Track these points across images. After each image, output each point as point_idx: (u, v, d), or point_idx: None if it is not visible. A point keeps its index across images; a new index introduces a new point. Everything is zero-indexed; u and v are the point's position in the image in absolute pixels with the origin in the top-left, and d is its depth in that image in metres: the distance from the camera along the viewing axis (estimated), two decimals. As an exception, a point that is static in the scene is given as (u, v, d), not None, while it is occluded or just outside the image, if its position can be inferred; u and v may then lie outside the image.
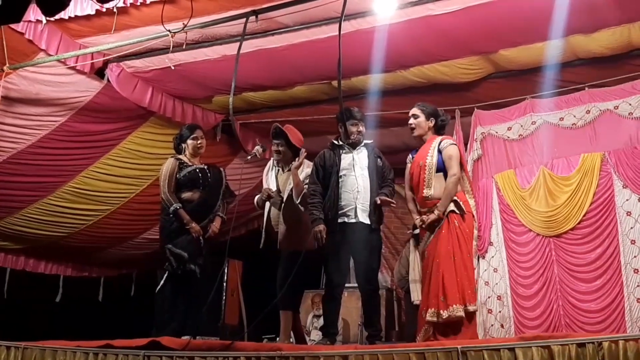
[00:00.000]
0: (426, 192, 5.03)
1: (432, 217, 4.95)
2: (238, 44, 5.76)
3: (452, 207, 4.94)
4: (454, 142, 5.18)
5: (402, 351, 3.92)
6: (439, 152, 5.08)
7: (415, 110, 5.25)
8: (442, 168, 5.05)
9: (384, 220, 5.95)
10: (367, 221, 5.33)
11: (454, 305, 4.72)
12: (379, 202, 5.33)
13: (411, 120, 5.25)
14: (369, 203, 5.34)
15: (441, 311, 4.75)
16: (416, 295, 7.24)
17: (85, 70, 6.85)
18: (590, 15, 5.74)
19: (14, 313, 8.77)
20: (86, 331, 6.06)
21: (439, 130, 5.26)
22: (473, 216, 5.13)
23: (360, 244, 5.30)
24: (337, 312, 5.56)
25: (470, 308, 4.79)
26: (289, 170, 5.76)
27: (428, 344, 4.29)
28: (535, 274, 6.61)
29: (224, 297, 8.58)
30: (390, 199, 5.38)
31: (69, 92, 6.94)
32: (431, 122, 5.22)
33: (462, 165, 5.15)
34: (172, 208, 5.63)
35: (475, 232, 5.49)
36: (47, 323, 8.76)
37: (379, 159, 5.52)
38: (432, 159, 5.06)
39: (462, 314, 4.72)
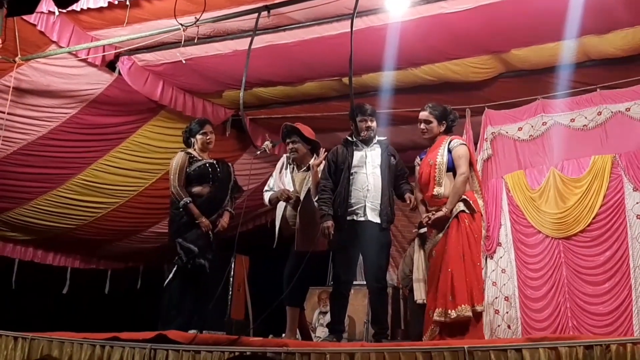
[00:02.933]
0: (437, 190, 5.03)
1: (440, 214, 4.95)
2: (249, 39, 5.77)
3: (462, 206, 4.94)
4: (464, 142, 5.20)
5: (408, 350, 3.91)
6: (449, 151, 5.08)
7: (427, 116, 5.22)
8: (452, 167, 5.06)
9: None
10: (377, 220, 5.30)
11: (462, 305, 4.72)
12: (408, 200, 5.33)
13: (423, 126, 5.23)
14: (379, 202, 5.30)
15: (449, 311, 4.74)
16: (419, 294, 7.24)
17: (96, 63, 6.87)
18: (603, 16, 5.72)
19: (22, 304, 8.81)
20: (92, 323, 6.08)
21: (448, 131, 5.26)
22: (482, 215, 5.13)
23: (369, 242, 5.27)
24: (344, 309, 5.54)
25: (478, 308, 4.81)
26: (305, 169, 5.75)
27: (435, 343, 4.29)
28: (543, 275, 6.59)
29: (230, 292, 8.59)
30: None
31: (79, 85, 6.96)
32: (442, 125, 5.22)
33: (471, 165, 5.15)
34: (182, 202, 5.63)
35: (484, 231, 5.49)
36: (54, 314, 8.79)
37: (392, 157, 5.47)
38: (442, 158, 5.06)
39: (470, 314, 4.73)
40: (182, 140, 6.06)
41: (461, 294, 4.74)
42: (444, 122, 5.21)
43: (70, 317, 8.28)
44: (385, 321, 5.52)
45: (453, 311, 4.73)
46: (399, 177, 5.49)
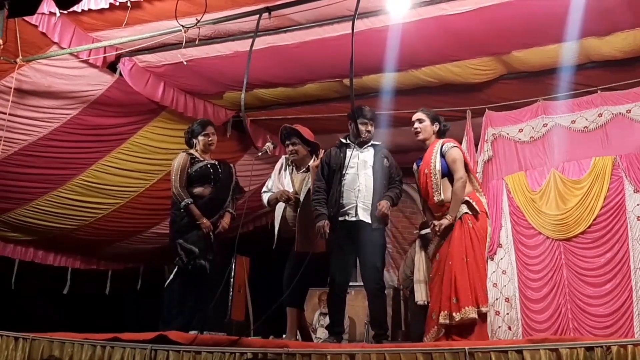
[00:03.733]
0: (437, 198, 5.04)
1: (445, 222, 4.95)
2: (250, 40, 5.77)
3: (465, 209, 4.95)
4: (455, 145, 5.19)
5: (409, 351, 3.91)
6: (442, 156, 5.09)
7: (420, 115, 5.30)
8: (447, 172, 5.07)
9: (391, 219, 5.92)
10: (368, 220, 5.32)
11: (467, 307, 4.73)
12: (379, 207, 5.30)
13: (416, 125, 5.28)
14: (371, 202, 5.33)
15: (454, 313, 4.75)
16: (420, 296, 7.24)
17: (97, 64, 6.86)
18: (604, 18, 5.72)
19: (22, 304, 8.81)
20: (93, 324, 6.08)
21: (440, 135, 5.28)
22: (487, 214, 5.13)
23: (362, 243, 5.30)
24: (342, 310, 5.55)
25: (483, 309, 4.82)
26: (304, 170, 5.75)
27: (436, 344, 4.30)
28: (544, 277, 6.59)
29: (230, 293, 8.59)
30: (386, 212, 5.33)
31: (81, 86, 6.96)
32: (435, 126, 5.27)
33: (467, 165, 5.15)
34: (183, 203, 5.63)
35: (490, 228, 5.49)
36: (54, 315, 8.79)
37: (385, 160, 5.50)
38: (435, 165, 5.06)
39: (475, 315, 4.74)
40: (184, 141, 6.06)
41: (465, 296, 4.75)
42: (436, 122, 5.26)
43: (71, 317, 8.28)
44: (384, 322, 5.51)
45: (457, 314, 4.74)
46: (390, 180, 5.50)
